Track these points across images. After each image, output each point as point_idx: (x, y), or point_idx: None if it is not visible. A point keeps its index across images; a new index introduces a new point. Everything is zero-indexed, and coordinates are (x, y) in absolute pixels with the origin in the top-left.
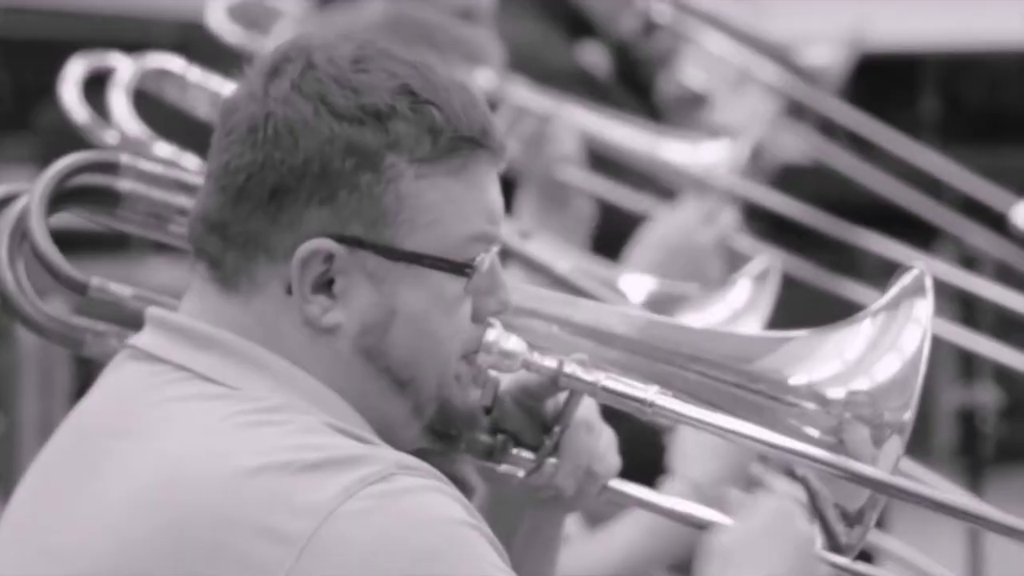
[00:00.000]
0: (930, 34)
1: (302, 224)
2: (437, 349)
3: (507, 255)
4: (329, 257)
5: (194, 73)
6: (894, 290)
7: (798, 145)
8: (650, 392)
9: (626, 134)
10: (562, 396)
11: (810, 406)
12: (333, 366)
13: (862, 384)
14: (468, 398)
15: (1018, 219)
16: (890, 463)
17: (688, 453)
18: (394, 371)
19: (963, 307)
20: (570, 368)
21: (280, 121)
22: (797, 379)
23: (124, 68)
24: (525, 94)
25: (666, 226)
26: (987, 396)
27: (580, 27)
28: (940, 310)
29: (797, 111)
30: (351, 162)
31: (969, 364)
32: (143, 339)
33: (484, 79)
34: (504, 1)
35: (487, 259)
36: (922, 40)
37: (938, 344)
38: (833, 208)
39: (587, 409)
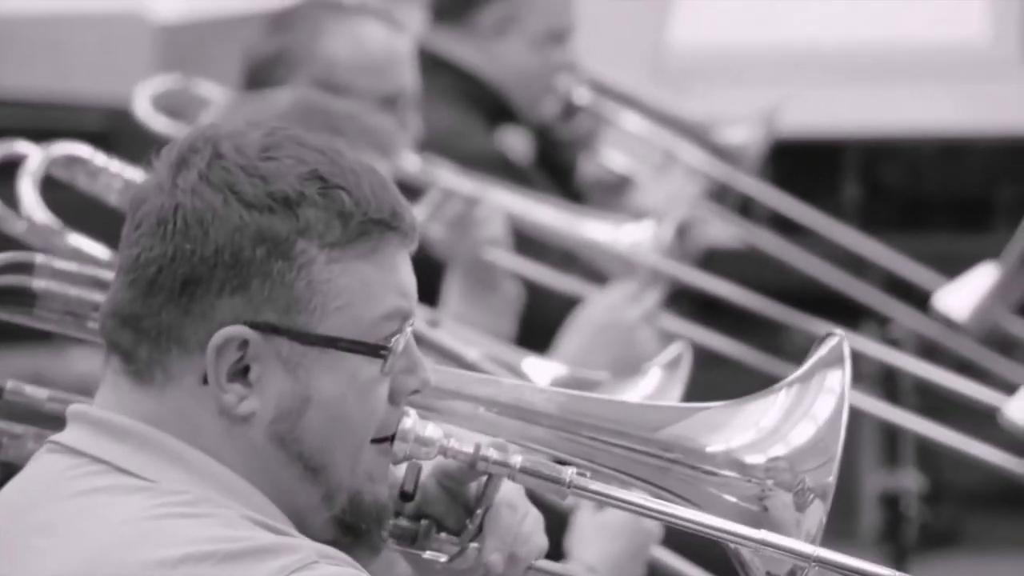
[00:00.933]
0: (851, 121)
1: (215, 314)
2: (351, 434)
3: (417, 342)
4: (243, 344)
5: (103, 160)
6: (810, 361)
7: (724, 229)
8: (567, 473)
9: (551, 215)
10: (484, 478)
11: (731, 475)
12: (247, 454)
13: (780, 450)
14: (379, 495)
15: (941, 304)
16: (813, 527)
17: (585, 536)
18: (307, 457)
19: (886, 388)
20: (487, 452)
21: (189, 212)
22: (715, 447)
23: (33, 156)
24: (451, 177)
25: (593, 307)
26: (910, 481)
27: (501, 113)
28: (863, 392)
29: (719, 192)
30: (262, 250)
31: (892, 449)
32: (63, 435)
33: (410, 163)
34: (425, 88)
35: (402, 340)
36: (843, 127)
37: (862, 430)
38: (757, 291)
39: (511, 490)
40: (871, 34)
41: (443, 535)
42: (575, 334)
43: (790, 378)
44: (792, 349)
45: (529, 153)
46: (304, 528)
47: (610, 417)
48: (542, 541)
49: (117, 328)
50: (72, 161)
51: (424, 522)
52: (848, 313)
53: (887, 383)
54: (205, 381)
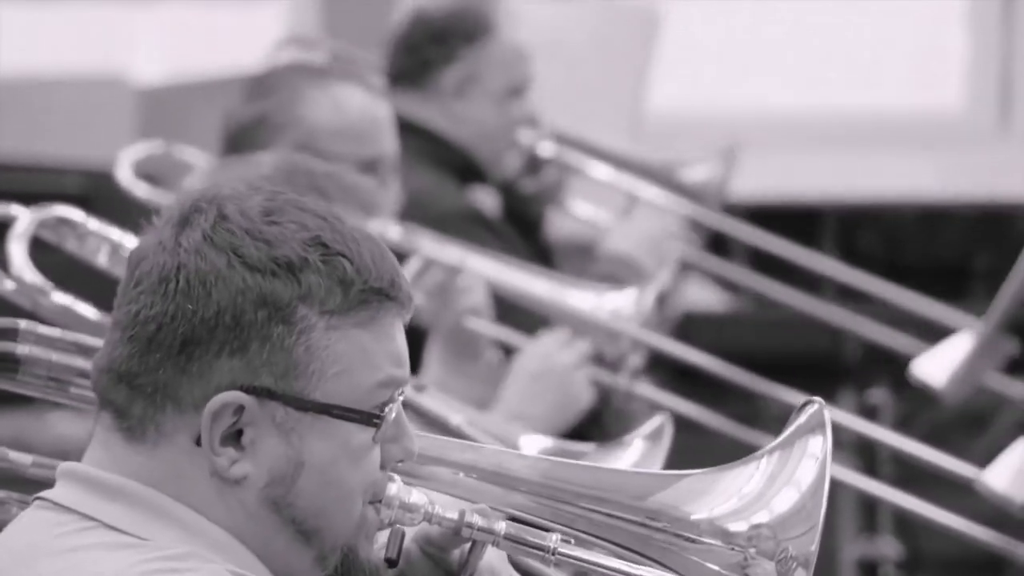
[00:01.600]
0: (828, 186)
1: (212, 375)
2: (344, 499)
3: (403, 407)
4: (239, 409)
5: (91, 223)
6: (790, 428)
7: (702, 293)
8: (551, 539)
9: (533, 283)
10: (467, 544)
11: (714, 542)
12: (239, 516)
13: (763, 517)
14: (372, 554)
15: (919, 371)
16: None
17: None
18: (299, 522)
19: (864, 457)
20: (472, 519)
21: (192, 272)
22: (699, 515)
23: (23, 217)
24: (432, 245)
25: (525, 356)
26: (888, 548)
27: (468, 172)
28: (841, 460)
29: (690, 228)
30: (263, 314)
31: (870, 516)
32: (53, 492)
33: (392, 232)
34: (401, 151)
35: (395, 408)
36: (820, 192)
37: (840, 496)
38: (734, 356)
39: (492, 556)
40: (849, 101)
41: None
42: (511, 385)
43: (772, 444)
44: (768, 417)
45: (497, 210)
46: None
47: (591, 484)
48: None
49: (112, 384)
50: (61, 223)
51: None
52: (826, 381)
53: (865, 451)
54: (198, 441)
